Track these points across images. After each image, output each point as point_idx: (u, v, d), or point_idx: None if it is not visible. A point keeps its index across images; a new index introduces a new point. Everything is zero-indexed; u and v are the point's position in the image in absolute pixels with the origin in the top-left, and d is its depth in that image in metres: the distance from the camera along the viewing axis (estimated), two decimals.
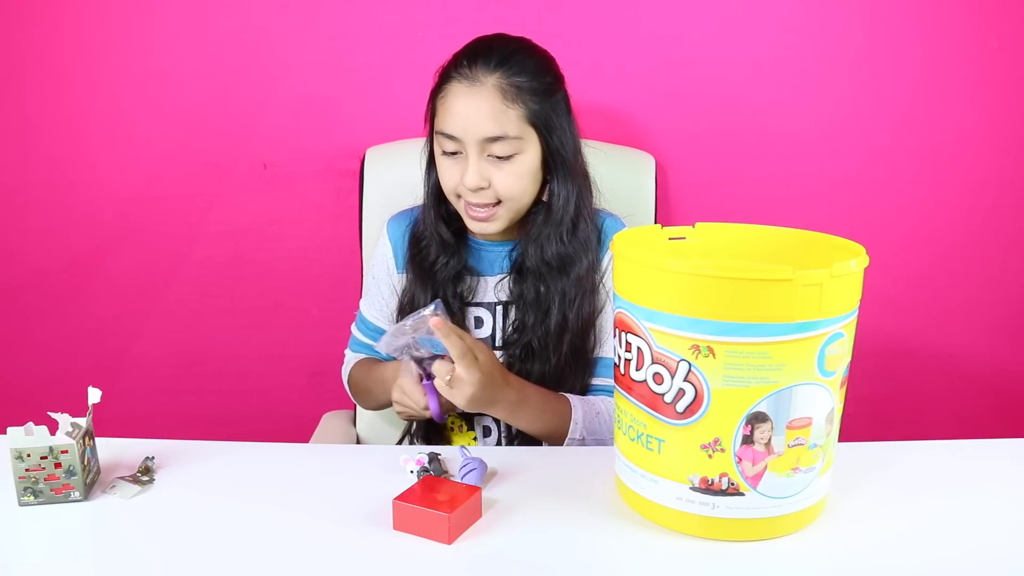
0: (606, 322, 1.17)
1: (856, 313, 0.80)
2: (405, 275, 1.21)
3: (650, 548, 0.81)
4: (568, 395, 1.12)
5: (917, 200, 1.53)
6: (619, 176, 1.39)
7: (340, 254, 1.53)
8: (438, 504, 0.82)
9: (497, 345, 1.18)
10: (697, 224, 0.95)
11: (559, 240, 1.13)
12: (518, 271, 1.16)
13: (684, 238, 0.95)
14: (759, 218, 0.96)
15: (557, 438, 1.09)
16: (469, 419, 1.21)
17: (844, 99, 1.48)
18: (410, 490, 0.85)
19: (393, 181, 1.31)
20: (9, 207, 1.58)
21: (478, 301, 1.19)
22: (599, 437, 1.09)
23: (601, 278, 1.17)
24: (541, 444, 1.12)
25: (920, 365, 1.63)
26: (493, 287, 1.19)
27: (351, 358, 1.30)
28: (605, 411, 1.11)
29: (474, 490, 0.85)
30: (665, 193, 1.50)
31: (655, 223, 1.39)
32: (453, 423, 1.23)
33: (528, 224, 1.15)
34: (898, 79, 1.47)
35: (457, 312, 1.17)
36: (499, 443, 1.20)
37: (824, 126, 1.50)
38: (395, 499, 0.83)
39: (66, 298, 1.63)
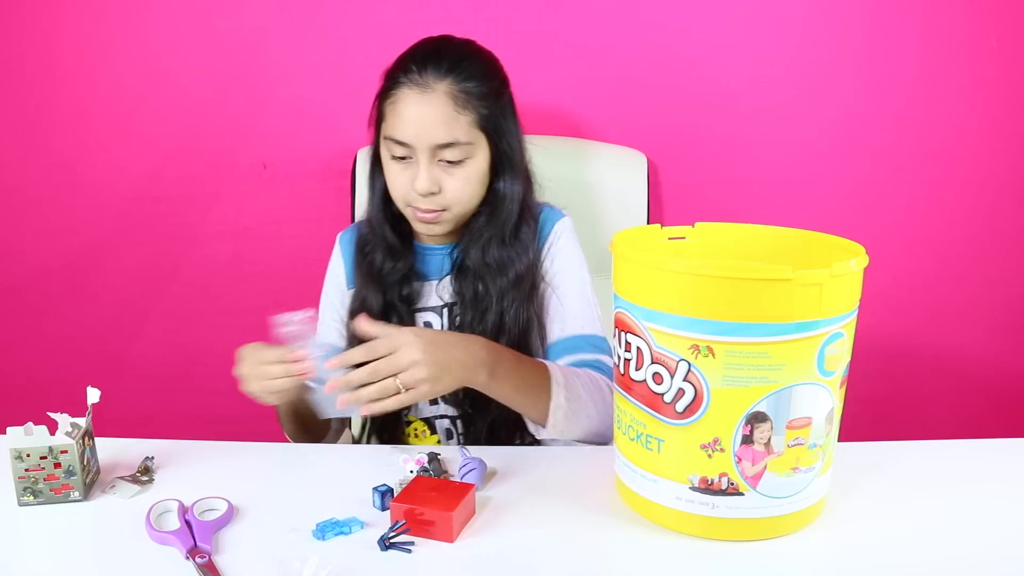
0: (553, 308, 1.14)
1: (856, 313, 0.80)
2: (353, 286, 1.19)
3: (650, 548, 0.81)
4: (540, 360, 1.07)
5: (917, 200, 1.53)
6: (610, 175, 1.39)
7: None
8: (437, 503, 0.82)
9: None
10: (697, 224, 0.95)
11: (500, 242, 1.12)
12: (458, 270, 1.15)
13: (684, 238, 0.95)
14: (755, 217, 0.96)
15: (539, 404, 1.01)
16: (431, 424, 1.19)
17: (844, 99, 1.48)
18: (405, 491, 0.85)
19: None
20: (9, 207, 1.58)
21: (424, 306, 1.18)
22: (582, 402, 1.02)
23: (540, 270, 1.15)
24: (517, 443, 1.09)
25: (920, 365, 1.63)
26: (436, 289, 1.17)
27: None
28: (584, 375, 1.05)
29: (467, 487, 0.85)
30: (658, 192, 1.49)
31: (647, 222, 1.39)
32: (416, 430, 1.20)
33: (470, 224, 1.14)
34: (898, 79, 1.47)
35: (406, 316, 1.16)
36: (460, 444, 1.17)
37: (823, 126, 1.50)
38: (392, 501, 0.83)
39: (66, 298, 1.63)
